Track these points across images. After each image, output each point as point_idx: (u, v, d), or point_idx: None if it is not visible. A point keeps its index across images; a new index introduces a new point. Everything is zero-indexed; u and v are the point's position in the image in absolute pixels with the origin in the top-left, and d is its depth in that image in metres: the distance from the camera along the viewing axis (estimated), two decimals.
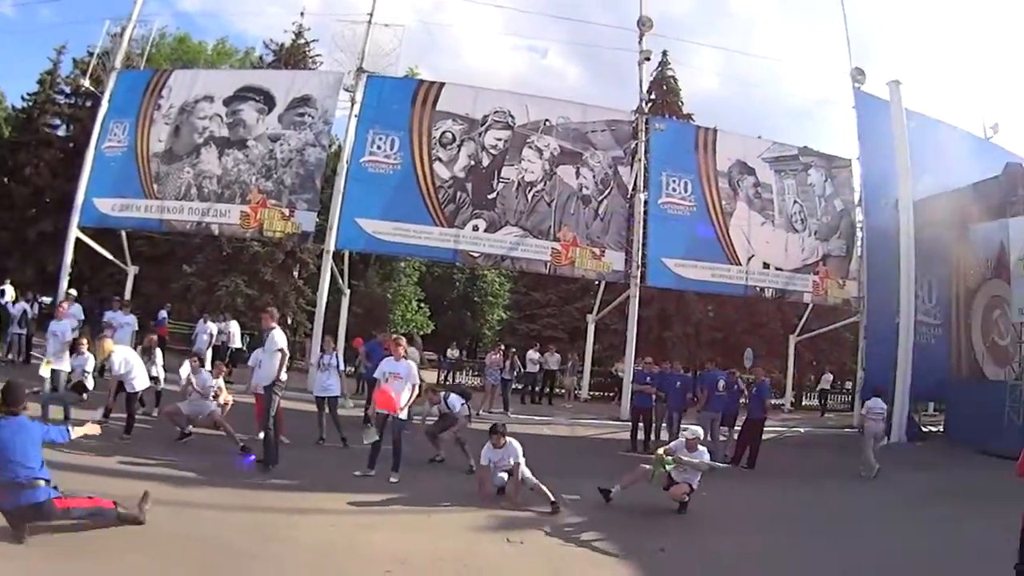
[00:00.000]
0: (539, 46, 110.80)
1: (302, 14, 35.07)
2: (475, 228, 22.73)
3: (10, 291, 22.35)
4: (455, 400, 13.13)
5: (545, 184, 23.21)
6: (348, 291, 24.73)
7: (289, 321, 31.48)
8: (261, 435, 11.47)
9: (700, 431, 11.16)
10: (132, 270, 25.86)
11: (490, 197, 22.96)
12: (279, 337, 11.22)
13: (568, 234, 22.95)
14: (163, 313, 24.32)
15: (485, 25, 75.31)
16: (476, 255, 23.42)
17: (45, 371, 13.16)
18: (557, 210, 23.05)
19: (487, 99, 23.64)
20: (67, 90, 37.68)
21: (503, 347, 22.96)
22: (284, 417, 12.24)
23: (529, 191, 23.11)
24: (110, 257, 25.93)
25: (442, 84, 23.99)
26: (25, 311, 20.05)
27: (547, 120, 23.44)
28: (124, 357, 12.28)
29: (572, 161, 23.41)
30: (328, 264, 22.40)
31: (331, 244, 22.40)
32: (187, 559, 6.85)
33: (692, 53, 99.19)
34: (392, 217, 22.35)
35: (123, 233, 25.48)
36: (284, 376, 11.24)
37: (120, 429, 11.89)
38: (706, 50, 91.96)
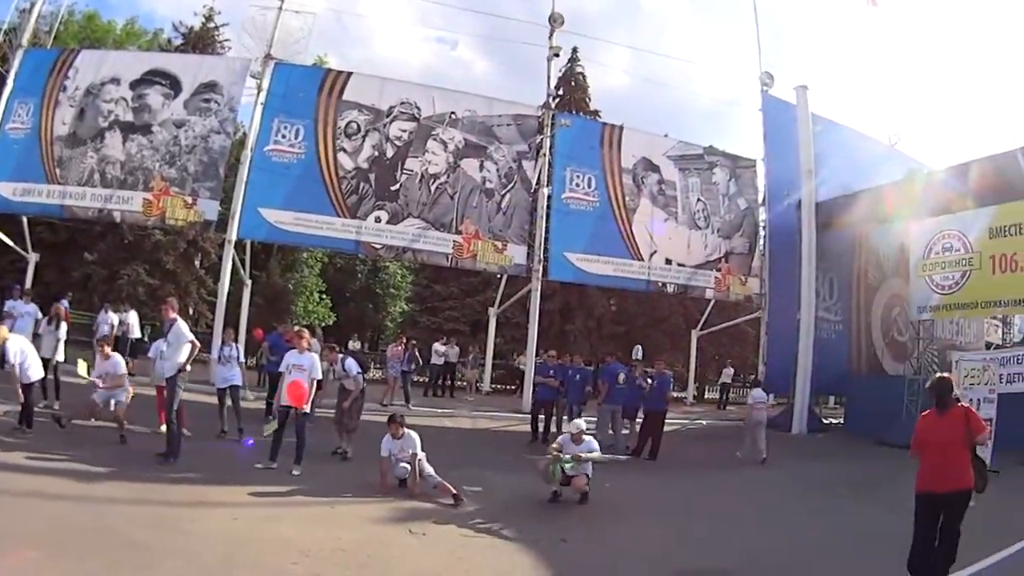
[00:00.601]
0: (449, 38, 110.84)
1: None
2: (377, 220, 22.67)
3: None
4: (351, 364, 13.27)
5: (449, 176, 23.30)
6: (250, 282, 24.32)
7: (191, 312, 31.17)
8: (163, 428, 11.50)
9: (582, 423, 11.30)
10: (33, 258, 25.21)
11: (393, 189, 22.93)
12: (185, 328, 11.21)
13: (471, 227, 23.11)
14: (64, 302, 23.56)
15: (395, 15, 74.75)
16: (378, 246, 23.37)
17: None
18: (460, 203, 23.15)
19: (394, 90, 23.58)
20: None
21: (405, 339, 22.86)
22: (186, 410, 12.04)
23: (432, 183, 23.19)
24: (10, 244, 25.22)
25: (350, 74, 23.84)
26: None
27: (453, 113, 23.49)
28: (20, 347, 11.92)
29: (476, 154, 23.61)
30: (230, 254, 22.14)
31: (233, 234, 22.13)
32: (89, 554, 6.78)
33: (603, 51, 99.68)
34: (295, 207, 22.20)
35: (24, 219, 24.73)
36: (188, 368, 11.24)
37: (14, 422, 11.73)
38: (617, 48, 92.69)
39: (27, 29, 25.08)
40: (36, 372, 12.02)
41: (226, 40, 34.09)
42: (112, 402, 12.23)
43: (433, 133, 23.26)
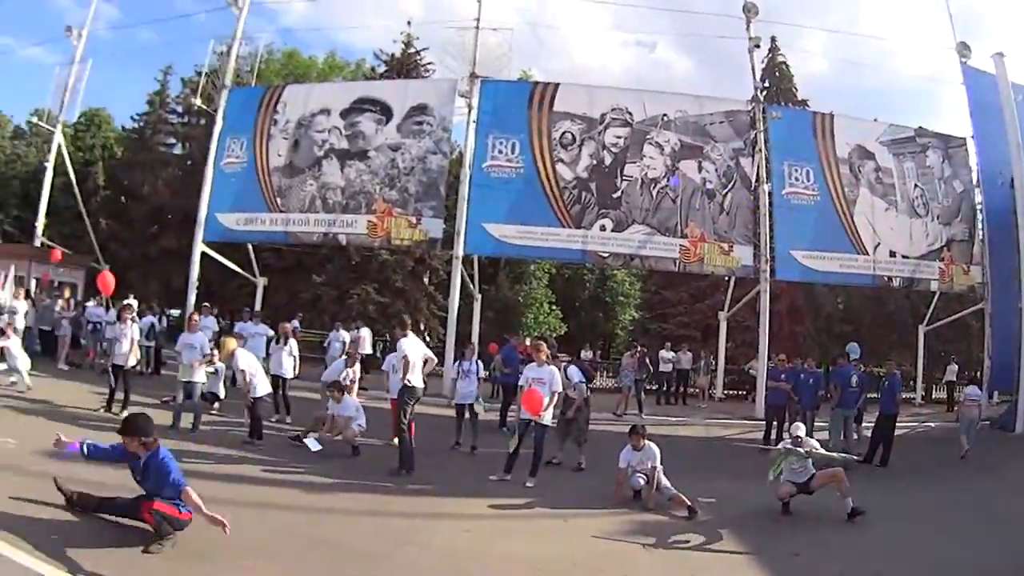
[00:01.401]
0: (647, 40, 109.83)
1: (409, 23, 36.04)
2: (602, 228, 22.39)
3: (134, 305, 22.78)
4: (574, 372, 13.09)
5: (668, 180, 22.76)
6: (479, 296, 24.73)
7: (423, 327, 31.50)
8: (396, 441, 11.59)
9: (802, 426, 10.98)
10: (261, 282, 26.56)
11: (615, 196, 22.57)
12: (404, 344, 11.16)
13: (695, 230, 22.54)
14: (295, 323, 24.28)
15: (592, 23, 74.59)
16: (605, 255, 23.03)
17: (186, 376, 13.37)
18: (683, 206, 22.61)
19: (603, 97, 23.31)
20: (179, 109, 38.73)
21: (637, 347, 22.67)
22: (415, 423, 12.11)
23: (653, 188, 22.69)
24: (238, 270, 26.58)
25: (557, 85, 23.72)
26: (153, 324, 20.47)
27: (664, 115, 22.93)
28: (248, 362, 12.50)
29: (693, 155, 22.96)
30: (458, 270, 22.50)
31: (459, 250, 22.47)
32: (320, 566, 6.93)
33: (799, 37, 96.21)
34: (518, 220, 22.29)
35: (250, 246, 25.98)
36: (418, 383, 11.19)
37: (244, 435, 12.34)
38: (813, 33, 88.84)
39: (228, 70, 26.41)
40: (263, 387, 12.61)
41: (428, 64, 34.48)
42: (355, 426, 12.40)
43: (648, 137, 22.80)
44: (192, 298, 24.25)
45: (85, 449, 7.05)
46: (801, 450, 10.14)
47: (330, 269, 31.96)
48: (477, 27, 23.15)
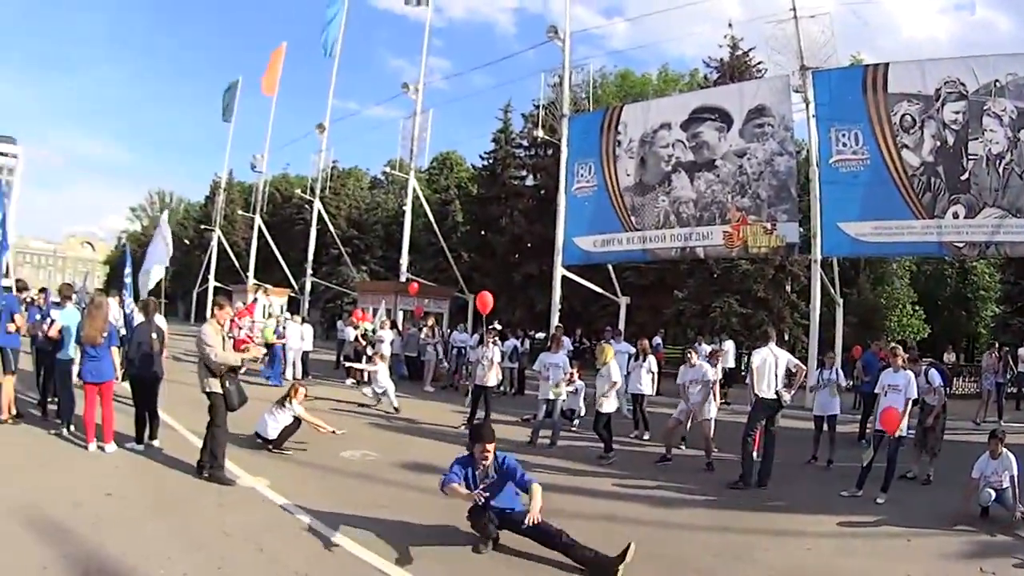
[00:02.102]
0: (964, 2, 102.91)
1: (730, 25, 35.60)
2: (955, 215, 20.56)
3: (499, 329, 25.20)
4: (935, 375, 12.68)
5: (1012, 154, 20.13)
6: (841, 300, 23.91)
7: (786, 337, 31.41)
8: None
9: None
10: (623, 301, 28.07)
11: (963, 178, 20.54)
12: (754, 355, 11.64)
13: None
14: (657, 339, 24.84)
15: None
16: (960, 245, 20.98)
17: (551, 394, 14.29)
18: None
19: (933, 71, 21.25)
20: (524, 143, 41.85)
21: (997, 347, 21.18)
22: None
23: (999, 164, 20.31)
24: (599, 291, 28.35)
25: (887, 65, 22.30)
26: (516, 347, 22.52)
27: (996, 81, 20.58)
28: (613, 372, 13.30)
29: None
30: (817, 275, 22.68)
31: (817, 253, 22.42)
32: None
33: None
34: (871, 216, 21.43)
35: (610, 267, 27.73)
36: (766, 394, 11.38)
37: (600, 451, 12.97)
38: None
39: (564, 100, 28.54)
40: (609, 405, 13.12)
41: (759, 63, 33.92)
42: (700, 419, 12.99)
43: (985, 108, 20.64)
44: (555, 320, 26.28)
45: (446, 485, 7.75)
46: None
47: (691, 284, 32.54)
48: (795, 17, 23.02)
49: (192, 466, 9.78)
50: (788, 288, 32.55)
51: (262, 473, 9.87)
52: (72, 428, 11.50)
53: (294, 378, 20.55)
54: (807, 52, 22.81)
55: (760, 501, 10.40)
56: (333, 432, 12.42)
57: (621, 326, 26.47)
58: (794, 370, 11.80)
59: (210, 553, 6.84)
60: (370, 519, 8.12)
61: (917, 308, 39.70)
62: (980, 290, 42.74)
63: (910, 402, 10.80)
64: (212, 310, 10.50)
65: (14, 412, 12.10)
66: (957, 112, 20.73)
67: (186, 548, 6.93)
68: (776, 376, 11.41)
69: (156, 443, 11.14)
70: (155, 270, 19.66)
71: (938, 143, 20.89)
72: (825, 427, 13.59)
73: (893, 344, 13.38)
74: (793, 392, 11.73)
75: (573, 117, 29.05)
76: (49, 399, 12.94)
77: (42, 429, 11.82)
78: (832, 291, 23.64)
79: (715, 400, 13.63)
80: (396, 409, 17.08)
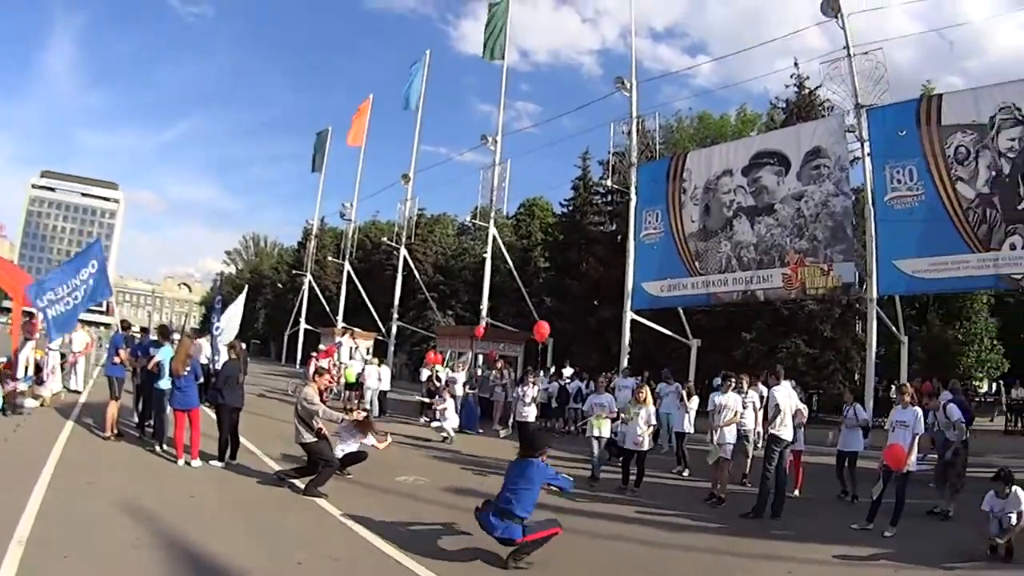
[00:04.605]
0: None
1: (796, 64, 35.85)
2: (1012, 247, 20.16)
3: (568, 372, 26.97)
4: (953, 409, 13.14)
5: None
6: (906, 338, 24.16)
7: (856, 377, 31.14)
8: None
9: None
10: (694, 343, 29.10)
11: (1020, 208, 20.22)
12: (776, 394, 12.45)
13: None
14: (716, 380, 25.69)
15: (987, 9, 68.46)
16: (1019, 276, 20.62)
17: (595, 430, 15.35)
18: None
19: (987, 97, 21.01)
20: (601, 190, 43.60)
21: None
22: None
23: None
24: (670, 334, 29.64)
25: (940, 96, 22.71)
26: (580, 388, 24.23)
27: None
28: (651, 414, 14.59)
29: None
30: (873, 313, 23.08)
31: (873, 292, 22.73)
32: None
33: None
34: (927, 252, 21.42)
35: (680, 310, 28.88)
36: (786, 434, 12.20)
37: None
38: None
39: (633, 148, 30.32)
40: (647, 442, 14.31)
41: (824, 101, 32.89)
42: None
43: None
44: (624, 362, 27.89)
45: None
46: None
47: (761, 325, 32.91)
48: (849, 56, 23.32)
49: (263, 479, 12.10)
50: (858, 328, 32.14)
51: (323, 491, 11.45)
52: (164, 447, 13.77)
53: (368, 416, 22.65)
54: (861, 89, 23.11)
55: (767, 530, 11.15)
56: (384, 445, 14.03)
57: (692, 368, 27.84)
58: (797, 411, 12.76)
59: (271, 543, 8.75)
60: (406, 529, 9.63)
61: (996, 343, 38.29)
62: None
63: (917, 438, 11.27)
64: (313, 376, 13.24)
65: (116, 431, 14.67)
66: (1013, 139, 20.52)
67: (250, 536, 8.98)
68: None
69: (235, 462, 13.23)
70: (229, 329, 21.89)
71: (993, 173, 20.74)
72: (846, 463, 14.40)
73: (902, 384, 14.09)
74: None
75: (642, 165, 30.52)
76: (146, 423, 15.36)
77: (139, 446, 14.28)
78: (895, 329, 23.91)
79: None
80: (447, 439, 19.14)
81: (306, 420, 11.62)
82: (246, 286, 47.06)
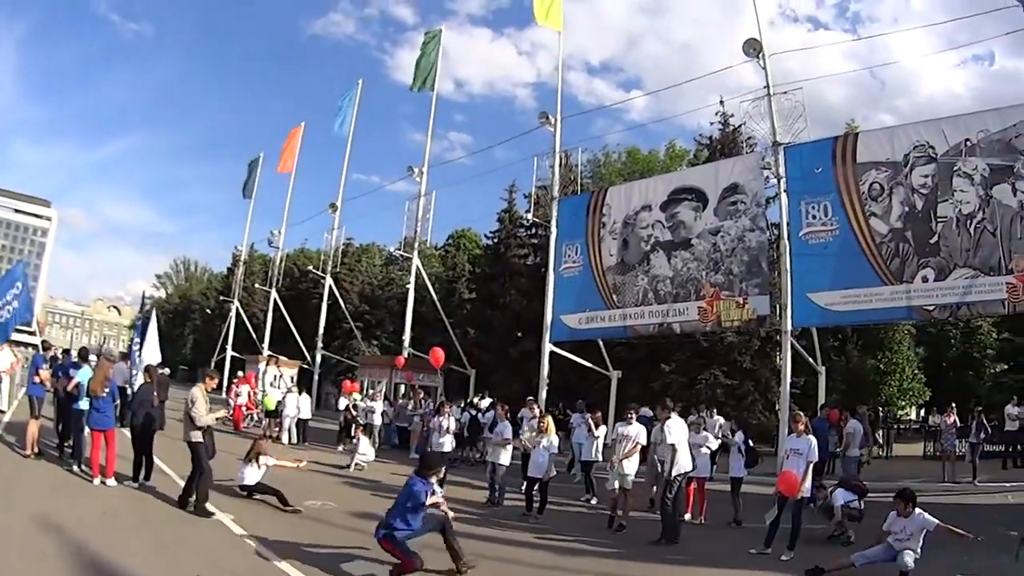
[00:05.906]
0: (983, 53, 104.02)
1: (721, 102, 36.57)
2: (924, 279, 20.74)
3: (485, 403, 26.63)
4: (854, 424, 14.46)
5: (983, 212, 20.26)
6: (822, 369, 25.12)
7: (776, 407, 29.89)
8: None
9: None
10: (615, 375, 29.65)
11: (932, 242, 20.80)
12: (670, 426, 12.76)
13: (1022, 263, 19.52)
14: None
15: (917, 48, 70.84)
16: (930, 308, 20.98)
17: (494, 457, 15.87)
18: (1003, 239, 19.96)
19: (903, 136, 21.76)
20: (526, 223, 43.70)
21: (974, 407, 22.13)
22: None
23: (970, 224, 20.45)
24: (589, 365, 30.01)
25: (856, 134, 23.65)
26: (472, 417, 24.47)
27: (967, 140, 20.63)
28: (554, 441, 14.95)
29: (1004, 177, 20.04)
30: (787, 344, 23.09)
31: (787, 324, 22.83)
32: None
33: None
34: (840, 286, 21.92)
35: (600, 343, 29.27)
36: (685, 463, 12.57)
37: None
38: None
39: (554, 183, 30.72)
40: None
41: (748, 138, 33.43)
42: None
43: (955, 169, 20.77)
44: (543, 395, 28.22)
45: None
46: None
47: (680, 357, 33.27)
48: (768, 95, 23.78)
49: (174, 499, 12.20)
50: (776, 358, 31.63)
51: (230, 511, 11.88)
52: (82, 466, 13.98)
53: (290, 443, 24.21)
54: (780, 127, 23.55)
55: (663, 555, 11.36)
56: (298, 465, 14.97)
57: (612, 399, 28.35)
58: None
59: (172, 558, 9.11)
60: (308, 550, 9.90)
61: (917, 372, 39.27)
62: (988, 349, 42.00)
63: (811, 465, 11.49)
64: (204, 378, 13.66)
65: (37, 450, 14.88)
66: (926, 176, 21.21)
67: (154, 551, 9.31)
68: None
69: (148, 482, 13.49)
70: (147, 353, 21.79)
71: (907, 208, 21.42)
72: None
73: (796, 412, 14.12)
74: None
75: (563, 199, 31.00)
76: (65, 443, 15.47)
77: (57, 465, 14.57)
78: (812, 361, 24.64)
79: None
80: (359, 467, 19.38)
81: (192, 419, 12.13)
82: (154, 311, 46.70)
